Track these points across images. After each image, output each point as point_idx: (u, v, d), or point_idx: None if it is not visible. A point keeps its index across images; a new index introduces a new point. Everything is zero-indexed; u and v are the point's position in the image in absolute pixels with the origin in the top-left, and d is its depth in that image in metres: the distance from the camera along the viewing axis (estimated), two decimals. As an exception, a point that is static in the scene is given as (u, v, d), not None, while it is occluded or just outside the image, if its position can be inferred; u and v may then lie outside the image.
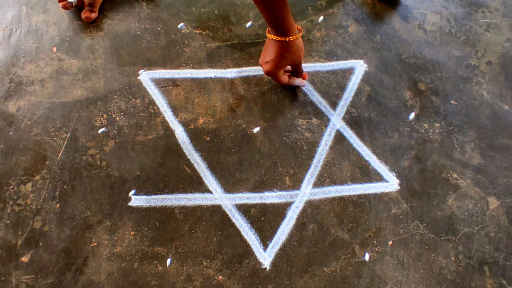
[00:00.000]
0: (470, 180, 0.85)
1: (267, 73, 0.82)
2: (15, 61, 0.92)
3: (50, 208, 0.78)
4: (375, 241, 0.78)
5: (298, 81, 0.89)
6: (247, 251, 0.76)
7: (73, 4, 0.96)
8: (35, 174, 0.80)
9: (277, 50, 0.77)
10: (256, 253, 0.76)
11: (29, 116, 0.86)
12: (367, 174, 0.84)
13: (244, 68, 0.94)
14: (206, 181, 0.82)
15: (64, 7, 0.95)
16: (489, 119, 0.91)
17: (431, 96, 0.94)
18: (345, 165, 0.85)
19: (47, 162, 0.82)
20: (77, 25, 0.97)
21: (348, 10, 1.04)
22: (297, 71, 0.88)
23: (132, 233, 0.76)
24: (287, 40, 0.75)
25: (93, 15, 0.96)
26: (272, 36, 0.77)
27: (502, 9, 1.07)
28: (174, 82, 0.92)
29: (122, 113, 0.88)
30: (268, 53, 0.79)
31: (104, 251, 0.75)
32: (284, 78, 0.85)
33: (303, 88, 0.92)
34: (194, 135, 0.86)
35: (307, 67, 0.95)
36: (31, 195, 0.78)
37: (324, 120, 0.89)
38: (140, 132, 0.86)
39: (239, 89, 0.92)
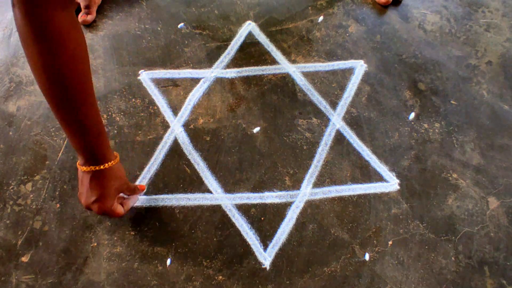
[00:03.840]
0: (470, 180, 0.85)
1: (101, 213, 0.64)
2: (15, 61, 0.92)
3: (50, 208, 0.77)
4: (375, 241, 0.78)
5: (132, 201, 0.74)
6: (247, 251, 0.76)
7: None
8: (35, 174, 0.80)
9: (100, 181, 0.61)
10: (256, 253, 0.76)
11: (29, 116, 0.86)
12: (367, 174, 0.84)
13: (244, 68, 0.94)
14: (206, 181, 0.82)
15: None
16: (489, 119, 0.91)
17: (431, 96, 0.94)
18: (345, 165, 0.85)
19: (47, 162, 0.82)
20: (77, 25, 0.97)
21: (348, 10, 1.04)
22: (128, 191, 0.71)
23: (132, 233, 0.76)
24: (107, 167, 0.61)
25: (90, 18, 0.96)
26: (85, 167, 0.60)
27: (502, 9, 1.07)
28: (174, 82, 0.92)
29: (122, 113, 0.87)
30: (91, 189, 0.61)
31: (104, 251, 0.75)
32: (120, 209, 0.68)
33: (303, 88, 0.92)
34: (194, 135, 0.86)
35: (307, 67, 0.95)
36: (31, 195, 0.78)
37: (324, 120, 0.89)
38: (140, 132, 0.86)
39: (239, 89, 0.92)
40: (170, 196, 0.80)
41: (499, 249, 0.78)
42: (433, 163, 0.86)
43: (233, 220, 0.78)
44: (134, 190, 0.73)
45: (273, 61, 0.96)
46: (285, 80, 0.93)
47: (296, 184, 0.82)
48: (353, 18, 1.03)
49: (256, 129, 0.87)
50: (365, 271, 0.75)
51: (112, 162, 0.62)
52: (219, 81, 0.93)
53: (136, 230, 0.77)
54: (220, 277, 0.74)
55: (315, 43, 0.98)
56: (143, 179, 0.81)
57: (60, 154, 0.83)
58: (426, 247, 0.78)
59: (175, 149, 0.84)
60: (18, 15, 0.50)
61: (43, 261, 0.73)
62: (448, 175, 0.85)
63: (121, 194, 0.71)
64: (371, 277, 0.75)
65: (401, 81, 0.95)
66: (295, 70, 0.94)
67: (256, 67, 0.94)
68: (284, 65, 0.95)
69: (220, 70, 0.94)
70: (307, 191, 0.81)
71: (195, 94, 0.91)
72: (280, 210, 0.80)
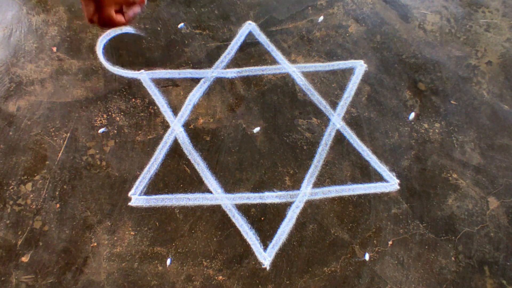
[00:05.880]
0: (470, 180, 0.85)
1: (102, 22, 0.71)
2: (15, 61, 0.92)
3: (50, 208, 0.77)
4: (375, 241, 0.78)
5: (132, 11, 0.75)
6: (247, 251, 0.76)
7: None
8: (35, 174, 0.80)
9: None
10: (256, 253, 0.76)
11: (29, 116, 0.86)
12: (367, 174, 0.84)
13: (244, 68, 0.94)
14: (206, 181, 0.82)
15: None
16: (489, 119, 0.91)
17: (431, 96, 0.94)
18: (345, 165, 0.85)
19: (47, 162, 0.82)
20: (77, 25, 0.97)
21: (348, 10, 1.04)
22: (126, 3, 0.76)
23: (132, 233, 0.76)
24: None
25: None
26: None
27: (502, 9, 1.07)
28: (174, 82, 0.92)
29: (122, 113, 0.87)
30: (88, 4, 0.68)
31: (104, 251, 0.75)
32: (121, 17, 0.73)
33: (303, 88, 0.92)
34: (194, 135, 0.86)
35: (307, 67, 0.95)
36: (31, 195, 0.78)
37: (324, 120, 0.89)
38: (140, 132, 0.86)
39: (239, 89, 0.92)
40: (170, 196, 0.80)
41: (499, 249, 0.78)
42: (433, 163, 0.86)
43: (233, 220, 0.78)
44: (133, 2, 0.75)
45: (273, 61, 0.96)
46: (285, 80, 0.93)
47: (296, 184, 0.82)
48: (353, 18, 1.03)
49: (256, 129, 0.87)
50: (365, 271, 0.75)
51: None
52: (219, 81, 0.93)
53: (136, 230, 0.77)
54: (220, 277, 0.74)
55: (315, 43, 0.98)
56: (143, 179, 0.81)
57: (60, 154, 0.83)
58: (426, 247, 0.78)
59: (175, 149, 0.84)
60: None
61: (43, 261, 0.73)
62: (448, 175, 0.85)
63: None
64: (371, 277, 0.75)
65: (401, 81, 0.95)
66: (295, 70, 0.94)
67: (256, 67, 0.94)
68: (284, 65, 0.95)
69: (220, 70, 0.94)
70: (307, 191, 0.81)
71: (195, 94, 0.91)
72: (280, 210, 0.80)
